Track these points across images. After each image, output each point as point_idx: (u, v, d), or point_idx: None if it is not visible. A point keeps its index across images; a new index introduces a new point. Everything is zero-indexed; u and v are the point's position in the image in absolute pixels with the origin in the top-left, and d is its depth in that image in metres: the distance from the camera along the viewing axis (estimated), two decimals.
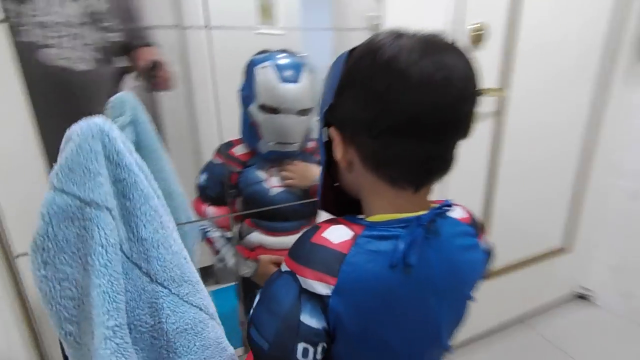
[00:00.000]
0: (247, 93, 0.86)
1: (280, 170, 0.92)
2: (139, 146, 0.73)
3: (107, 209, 0.35)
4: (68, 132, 0.34)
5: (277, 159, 0.93)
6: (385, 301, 0.41)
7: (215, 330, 0.45)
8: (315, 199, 0.60)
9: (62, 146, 0.34)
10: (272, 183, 0.92)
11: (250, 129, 0.89)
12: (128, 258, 0.37)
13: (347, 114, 0.42)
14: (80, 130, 0.34)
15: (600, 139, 1.35)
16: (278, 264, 0.86)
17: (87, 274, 0.34)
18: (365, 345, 0.42)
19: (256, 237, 0.91)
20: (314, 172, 0.92)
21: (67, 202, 0.33)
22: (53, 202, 0.33)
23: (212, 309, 0.45)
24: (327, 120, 0.44)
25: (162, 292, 0.39)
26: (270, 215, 0.91)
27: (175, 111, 0.98)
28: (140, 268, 0.38)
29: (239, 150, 0.93)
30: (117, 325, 0.35)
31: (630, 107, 1.36)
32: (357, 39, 0.43)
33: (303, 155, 0.94)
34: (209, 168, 0.92)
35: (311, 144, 0.96)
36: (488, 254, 0.51)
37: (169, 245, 0.39)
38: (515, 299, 1.46)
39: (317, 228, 0.43)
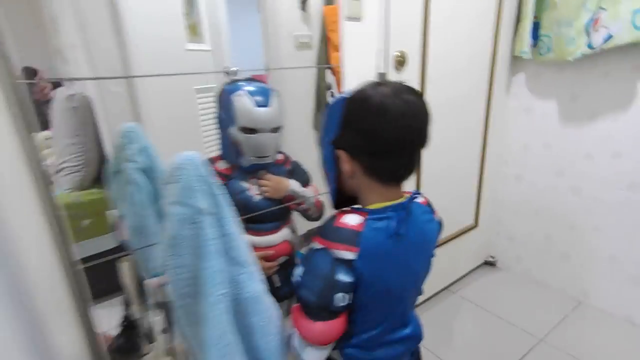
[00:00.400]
0: (224, 117, 1.01)
1: (258, 182, 1.07)
2: (152, 169, 0.86)
3: (209, 213, 0.50)
4: (177, 161, 0.49)
5: (256, 170, 1.09)
6: (386, 259, 0.63)
7: (268, 298, 0.62)
8: (287, 204, 0.86)
9: (171, 172, 0.49)
10: (254, 191, 1.08)
11: (230, 147, 1.03)
12: (220, 248, 0.53)
13: (351, 142, 0.63)
14: (186, 160, 0.49)
15: (489, 138, 1.77)
16: (265, 259, 1.04)
17: (199, 259, 0.50)
18: (375, 289, 0.64)
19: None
20: (285, 184, 1.09)
21: (185, 212, 0.48)
22: (178, 213, 0.48)
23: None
24: (335, 145, 0.65)
25: (239, 271, 0.56)
26: (255, 219, 1.07)
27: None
28: (227, 254, 0.54)
29: (221, 166, 1.07)
30: (223, 294, 0.51)
31: (508, 110, 1.81)
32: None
33: (275, 166, 1.12)
34: None
35: (279, 157, 1.14)
36: (440, 223, 0.77)
37: (241, 238, 0.56)
38: (441, 271, 1.82)
39: (334, 217, 0.64)
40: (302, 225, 1.17)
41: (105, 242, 0.96)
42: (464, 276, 1.99)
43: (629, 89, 1.43)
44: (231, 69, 1.03)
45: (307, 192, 1.10)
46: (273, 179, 1.07)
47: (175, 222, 0.48)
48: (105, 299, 0.93)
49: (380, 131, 0.60)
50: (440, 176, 1.59)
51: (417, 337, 0.75)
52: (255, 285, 0.59)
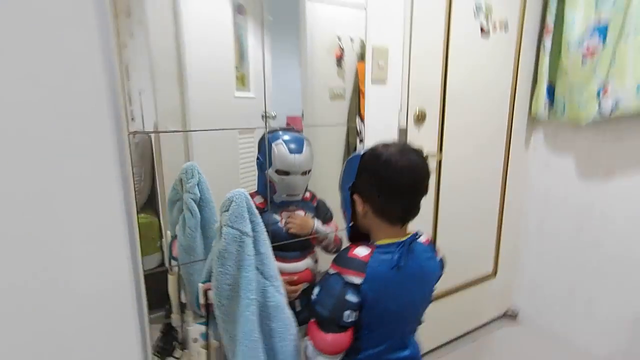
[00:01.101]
0: (263, 160, 1.20)
1: (287, 219, 1.23)
2: (204, 200, 1.05)
3: (249, 235, 0.67)
4: (230, 195, 0.67)
5: (286, 205, 1.26)
6: (387, 286, 0.77)
7: (288, 309, 0.77)
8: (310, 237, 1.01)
9: (225, 202, 0.67)
10: (284, 223, 1.25)
11: (266, 185, 1.22)
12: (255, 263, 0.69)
13: (364, 188, 0.80)
14: (237, 195, 0.67)
15: (508, 190, 1.86)
16: (290, 283, 1.19)
17: (239, 270, 0.66)
18: (377, 310, 0.77)
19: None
20: (309, 224, 1.23)
21: (233, 233, 0.66)
22: (228, 232, 0.65)
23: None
24: (352, 190, 0.82)
25: (267, 283, 0.72)
26: (283, 247, 1.23)
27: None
28: (258, 269, 0.71)
29: (257, 200, 1.24)
30: (253, 298, 0.67)
31: (528, 163, 1.91)
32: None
33: (303, 202, 1.29)
34: None
35: (307, 195, 1.31)
36: (441, 262, 0.90)
37: (271, 257, 0.72)
38: (460, 317, 1.85)
39: (348, 248, 0.79)
40: (323, 258, 1.31)
41: (148, 262, 1.14)
42: (484, 325, 2.00)
43: None
44: (272, 114, 1.24)
45: (327, 229, 1.26)
46: (299, 219, 1.23)
47: (225, 240, 0.65)
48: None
49: (386, 180, 0.77)
50: (457, 223, 1.70)
51: (415, 358, 0.86)
52: (279, 296, 0.74)
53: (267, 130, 1.22)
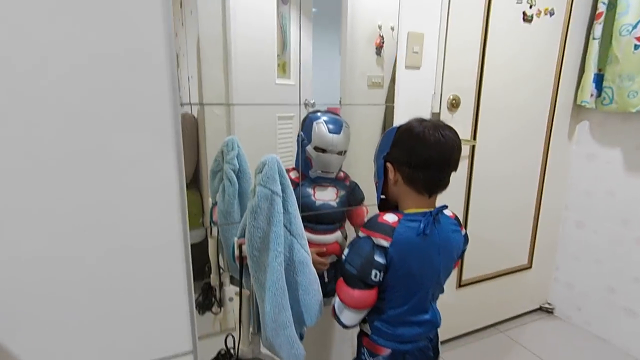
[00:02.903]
0: (304, 137, 1.29)
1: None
2: (242, 171, 1.16)
3: (279, 195, 0.76)
4: (263, 159, 0.76)
5: (320, 181, 1.34)
6: (412, 251, 0.83)
7: (312, 266, 0.86)
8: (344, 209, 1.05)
9: (259, 165, 0.76)
10: (317, 197, 1.33)
11: (304, 161, 1.31)
12: (283, 220, 0.78)
13: (397, 157, 0.87)
14: (270, 159, 0.76)
15: (547, 181, 1.81)
16: (319, 254, 1.27)
17: (269, 225, 0.75)
18: (401, 272, 0.83)
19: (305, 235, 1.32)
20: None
21: (265, 191, 0.75)
22: (261, 191, 0.75)
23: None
24: (386, 159, 0.88)
25: (294, 240, 0.81)
26: (315, 219, 1.31)
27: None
28: (286, 227, 0.79)
29: (293, 175, 1.34)
30: (281, 251, 0.76)
31: (570, 155, 1.84)
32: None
33: (336, 181, 1.36)
34: None
35: (341, 174, 1.38)
36: (465, 236, 0.94)
37: (298, 217, 0.81)
38: (490, 307, 1.85)
39: (378, 215, 0.86)
40: (352, 234, 1.38)
41: (192, 237, 1.27)
42: (515, 317, 1.97)
43: None
44: (311, 102, 1.33)
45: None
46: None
47: (258, 197, 0.74)
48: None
49: (418, 150, 0.82)
50: (489, 212, 1.69)
51: (434, 322, 0.91)
52: (304, 253, 0.83)
53: (310, 110, 1.31)
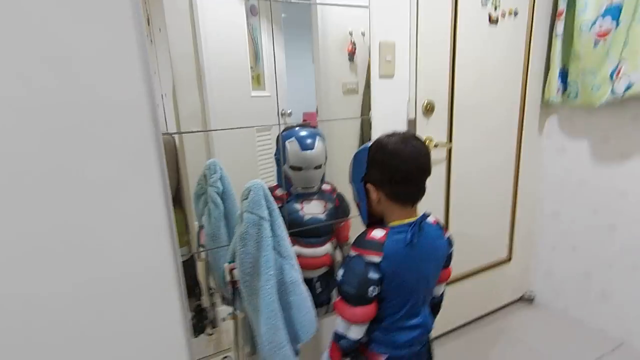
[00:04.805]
0: (279, 157, 1.28)
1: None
2: (226, 193, 1.16)
3: (267, 220, 0.77)
4: (248, 185, 0.77)
5: (305, 196, 1.35)
6: (402, 261, 0.86)
7: (304, 285, 0.87)
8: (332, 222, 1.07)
9: (245, 191, 0.77)
10: (305, 211, 1.34)
11: (284, 180, 1.31)
12: (272, 244, 0.79)
13: (376, 177, 0.89)
14: (255, 185, 0.77)
15: (522, 175, 1.88)
16: (310, 266, 1.27)
17: (259, 250, 0.76)
18: (394, 283, 0.86)
19: (296, 249, 1.32)
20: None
21: (253, 217, 0.75)
22: (248, 217, 0.75)
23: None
24: (365, 180, 0.90)
25: (284, 261, 0.82)
26: (304, 233, 1.32)
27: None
28: (275, 249, 0.80)
29: (279, 192, 1.34)
30: (272, 274, 0.77)
31: (542, 149, 1.92)
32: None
33: (322, 193, 1.37)
34: None
35: (327, 187, 1.39)
36: (449, 240, 0.97)
37: (287, 239, 0.82)
38: (475, 301, 1.91)
39: (366, 232, 0.88)
40: None
41: None
42: (500, 308, 2.04)
43: None
44: (287, 111, 1.32)
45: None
46: None
47: (246, 224, 0.75)
48: None
49: (395, 167, 0.85)
50: (469, 210, 1.74)
51: (426, 325, 0.94)
52: (295, 273, 0.84)
53: (282, 129, 1.31)
